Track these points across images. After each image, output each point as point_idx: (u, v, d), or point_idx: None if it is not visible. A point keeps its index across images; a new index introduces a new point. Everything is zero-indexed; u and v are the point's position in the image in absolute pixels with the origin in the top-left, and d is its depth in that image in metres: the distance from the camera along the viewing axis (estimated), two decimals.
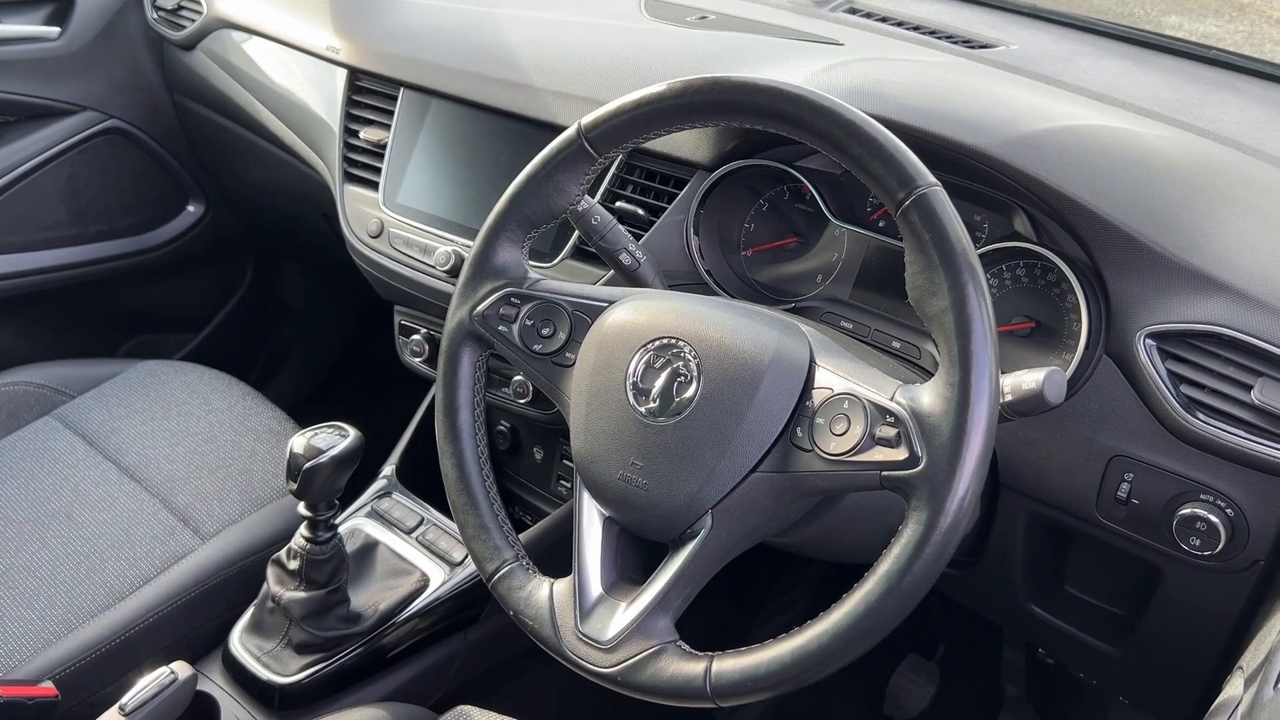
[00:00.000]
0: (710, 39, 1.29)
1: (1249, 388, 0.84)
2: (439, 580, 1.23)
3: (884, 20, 1.45)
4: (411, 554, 1.26)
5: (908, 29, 1.41)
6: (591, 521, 0.84)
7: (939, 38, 1.38)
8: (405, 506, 1.32)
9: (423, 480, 1.34)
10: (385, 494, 1.34)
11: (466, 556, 1.24)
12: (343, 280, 1.62)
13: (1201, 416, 0.86)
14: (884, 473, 0.72)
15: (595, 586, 0.82)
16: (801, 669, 0.72)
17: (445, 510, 1.28)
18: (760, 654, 0.74)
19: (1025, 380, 0.74)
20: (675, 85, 0.84)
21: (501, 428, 1.40)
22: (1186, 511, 0.88)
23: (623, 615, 0.79)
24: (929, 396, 0.72)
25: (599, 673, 0.79)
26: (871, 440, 0.72)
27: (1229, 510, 0.87)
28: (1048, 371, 0.73)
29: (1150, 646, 1.02)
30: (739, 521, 0.78)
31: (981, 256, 0.97)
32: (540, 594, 0.85)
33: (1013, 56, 1.32)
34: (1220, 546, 0.87)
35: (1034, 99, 1.05)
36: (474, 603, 1.26)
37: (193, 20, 1.64)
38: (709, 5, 1.44)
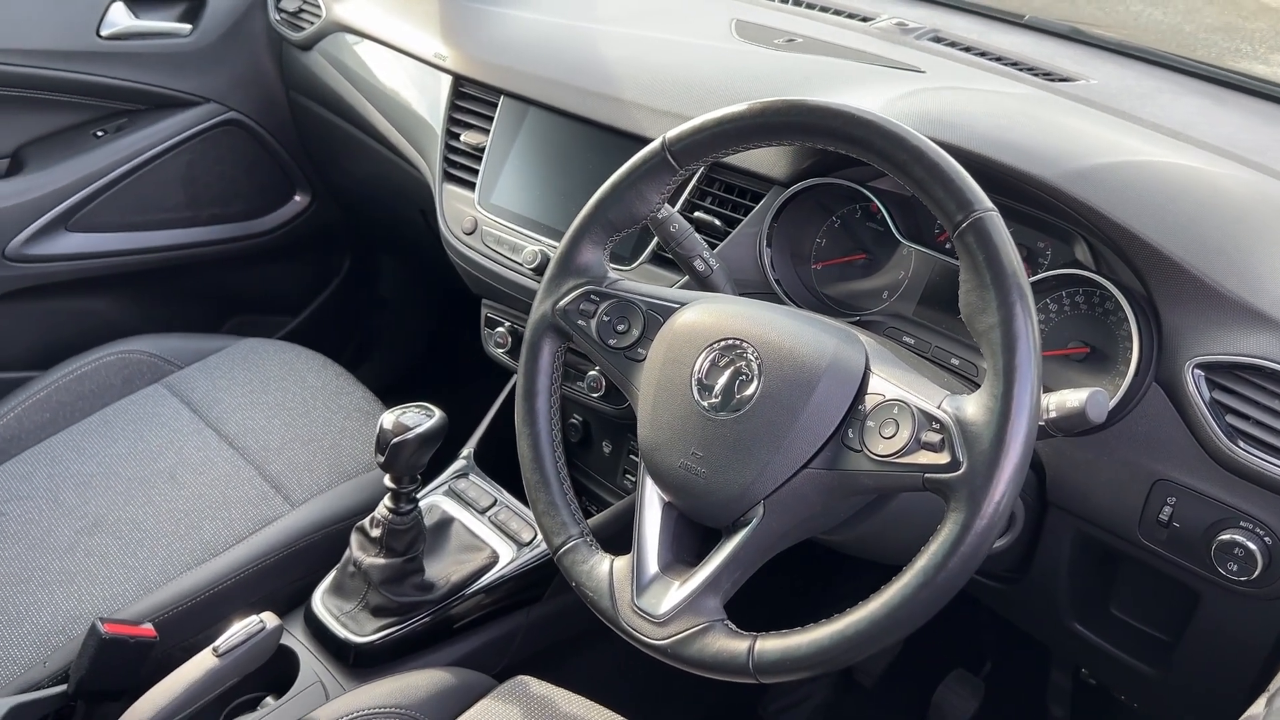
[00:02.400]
0: (795, 62, 1.35)
1: None
2: (507, 558, 1.31)
3: (967, 50, 1.48)
4: (483, 532, 1.34)
5: (990, 59, 1.45)
6: (652, 505, 0.91)
7: (1020, 69, 1.41)
8: (480, 487, 1.40)
9: (498, 464, 1.42)
10: (463, 474, 1.42)
11: (534, 537, 1.32)
12: (433, 273, 1.71)
13: (1244, 446, 0.89)
14: (926, 475, 0.77)
15: (652, 565, 0.89)
16: (838, 651, 0.78)
17: (518, 493, 1.36)
18: (800, 636, 0.80)
19: (1069, 399, 0.78)
20: (755, 106, 0.90)
21: (574, 421, 1.47)
22: (1225, 537, 0.91)
23: (676, 593, 0.86)
24: (973, 406, 0.77)
25: (651, 644, 0.86)
26: (917, 444, 0.78)
27: (1267, 538, 0.90)
28: (1091, 391, 0.78)
29: (1188, 670, 1.05)
30: (789, 513, 0.84)
31: (1042, 282, 1.02)
32: (601, 569, 0.91)
33: (1092, 91, 1.35)
34: (1257, 573, 0.90)
35: (1100, 132, 1.09)
36: (538, 582, 1.33)
37: (312, 23, 1.74)
38: (797, 29, 1.50)
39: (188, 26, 1.76)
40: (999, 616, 1.31)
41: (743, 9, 1.59)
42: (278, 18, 1.81)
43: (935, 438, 0.77)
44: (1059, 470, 1.01)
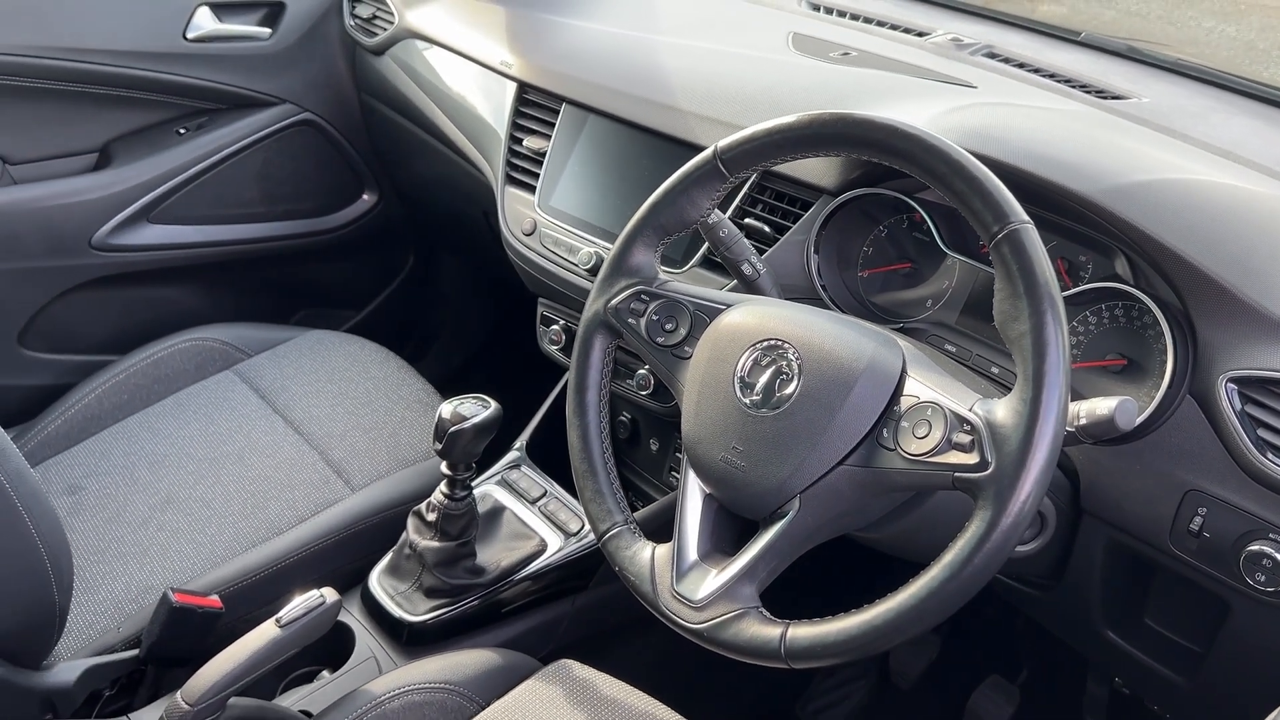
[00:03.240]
0: (849, 75, 1.39)
1: None
2: (555, 547, 1.36)
3: (1021, 66, 1.50)
4: (533, 521, 1.39)
5: (1044, 76, 1.47)
6: (694, 496, 0.95)
7: (1073, 86, 1.43)
8: (531, 479, 1.45)
9: (549, 457, 1.47)
10: (515, 466, 1.48)
11: (582, 528, 1.37)
12: (493, 273, 1.77)
13: (1273, 458, 0.91)
14: (956, 474, 0.80)
15: (692, 553, 0.93)
16: (866, 640, 0.81)
17: (567, 485, 1.41)
18: (831, 624, 0.83)
19: (1099, 406, 0.81)
20: (804, 117, 0.94)
21: (623, 418, 1.52)
22: (1254, 548, 0.93)
23: (713, 580, 0.90)
24: (1003, 410, 0.80)
25: (688, 628, 0.90)
26: (948, 444, 0.81)
27: None
28: (1120, 400, 0.81)
29: (1218, 680, 1.06)
30: (824, 508, 0.88)
31: (1081, 294, 1.05)
32: (643, 555, 0.96)
33: (1143, 109, 1.36)
34: None
35: (1143, 149, 1.11)
36: (584, 572, 1.38)
37: (384, 29, 1.82)
38: (853, 43, 1.53)
39: (267, 30, 1.84)
40: (1036, 625, 1.33)
41: (801, 22, 1.63)
42: (352, 23, 1.88)
43: (966, 439, 0.80)
44: (1093, 478, 1.03)
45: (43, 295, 1.75)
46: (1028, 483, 0.77)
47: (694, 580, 0.91)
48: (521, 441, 1.51)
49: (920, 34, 1.61)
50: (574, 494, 1.37)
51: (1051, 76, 1.47)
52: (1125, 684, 1.29)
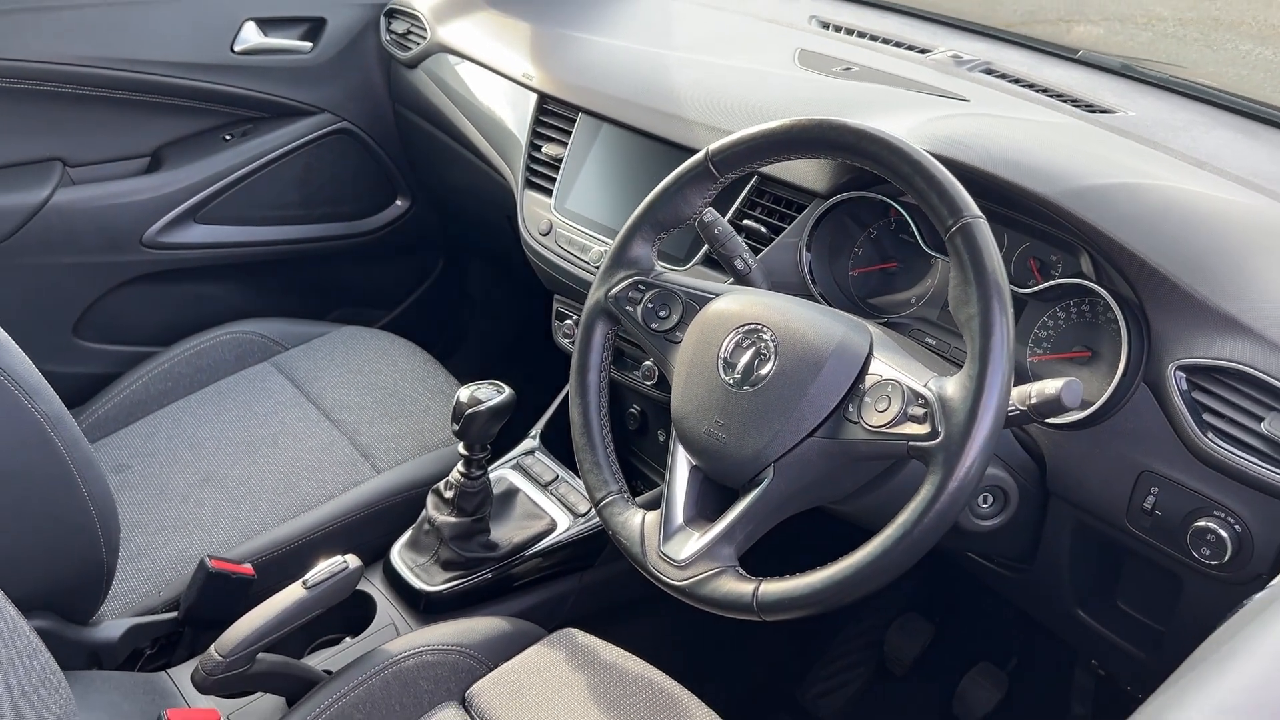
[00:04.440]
0: (848, 88, 1.47)
1: (1261, 419, 0.96)
2: (564, 526, 1.45)
3: (1016, 81, 1.58)
4: (544, 502, 1.49)
5: (1036, 90, 1.55)
6: (680, 467, 1.04)
7: (1064, 100, 1.51)
8: (544, 464, 1.55)
9: (563, 446, 1.56)
10: (529, 453, 1.57)
11: (589, 509, 1.46)
12: (517, 275, 1.87)
13: (1216, 440, 0.98)
14: (910, 443, 0.89)
15: (678, 518, 1.02)
16: (829, 593, 0.90)
17: (576, 469, 1.50)
18: (798, 580, 0.92)
19: (1048, 387, 0.89)
20: (786, 122, 1.03)
21: (632, 410, 1.61)
22: (1200, 524, 1.00)
23: (695, 541, 0.99)
24: (953, 386, 0.88)
25: (672, 585, 0.99)
26: (904, 417, 0.90)
27: (1237, 526, 0.98)
28: (1066, 380, 0.89)
29: (1175, 654, 1.13)
30: (796, 477, 0.96)
31: (1048, 290, 1.13)
32: (634, 521, 1.05)
33: (1128, 122, 1.44)
34: (1227, 558, 0.99)
35: (1112, 156, 1.19)
36: (590, 552, 1.47)
37: (418, 44, 1.93)
38: (857, 59, 1.61)
39: (309, 45, 1.95)
40: (1025, 616, 1.39)
41: (809, 39, 1.72)
42: (388, 38, 2.00)
43: (920, 411, 0.89)
44: (1057, 462, 1.11)
45: (96, 289, 1.87)
46: (973, 450, 0.85)
47: (678, 542, 1.00)
48: (537, 430, 1.60)
49: (922, 51, 1.69)
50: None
51: (1044, 91, 1.54)
52: (1100, 665, 1.36)
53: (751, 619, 0.94)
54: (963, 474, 0.85)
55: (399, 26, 1.97)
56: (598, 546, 1.47)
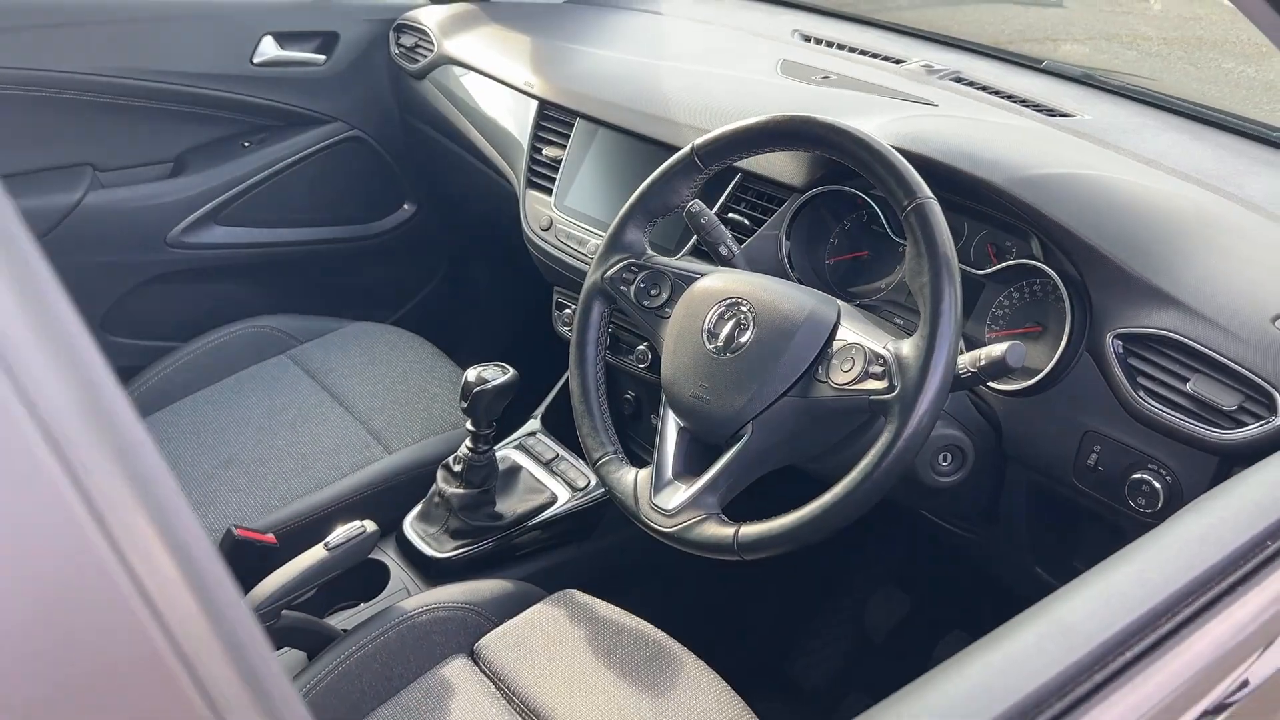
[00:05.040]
0: (825, 94, 1.60)
1: (1187, 380, 1.08)
2: (564, 499, 1.56)
3: (984, 89, 1.70)
4: (546, 478, 1.60)
5: (1001, 97, 1.67)
6: (669, 428, 1.15)
7: (1026, 106, 1.63)
8: (546, 444, 1.66)
9: (563, 428, 1.67)
10: (532, 434, 1.68)
11: (588, 484, 1.57)
12: (517, 271, 1.99)
13: (1150, 401, 1.10)
14: (871, 398, 1.00)
15: (667, 473, 1.13)
16: (803, 532, 1.01)
17: (577, 451, 1.61)
18: (773, 522, 1.03)
19: (994, 350, 1.01)
20: (763, 119, 1.15)
21: (628, 397, 1.72)
22: (1136, 476, 1.11)
23: (683, 493, 1.10)
24: (908, 346, 1.00)
25: (662, 531, 1.10)
26: (866, 375, 1.01)
27: (1168, 477, 1.10)
28: (1010, 344, 1.00)
29: None
30: (772, 433, 1.07)
31: (1003, 271, 1.24)
32: (628, 477, 1.16)
33: (1083, 125, 1.56)
34: (1160, 505, 1.10)
35: (1059, 151, 1.31)
36: (589, 524, 1.58)
37: (425, 56, 2.05)
38: (835, 68, 1.74)
39: (322, 57, 2.07)
40: (997, 585, 1.50)
41: (791, 51, 1.85)
42: (397, 52, 2.12)
43: (879, 369, 1.00)
44: (1011, 425, 1.22)
45: (123, 286, 1.99)
46: (925, 401, 0.96)
47: (668, 494, 1.11)
48: (538, 413, 1.71)
49: (897, 61, 1.81)
50: (582, 458, 1.58)
51: (1009, 98, 1.66)
52: None
53: (733, 559, 1.05)
54: (916, 422, 0.96)
55: (407, 40, 2.09)
56: (595, 519, 1.57)
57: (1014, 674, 0.60)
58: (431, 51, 2.03)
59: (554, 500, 1.56)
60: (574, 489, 1.58)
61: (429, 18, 2.06)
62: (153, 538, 0.35)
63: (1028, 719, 0.58)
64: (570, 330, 1.70)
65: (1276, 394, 1.02)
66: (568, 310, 1.71)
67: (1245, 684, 0.71)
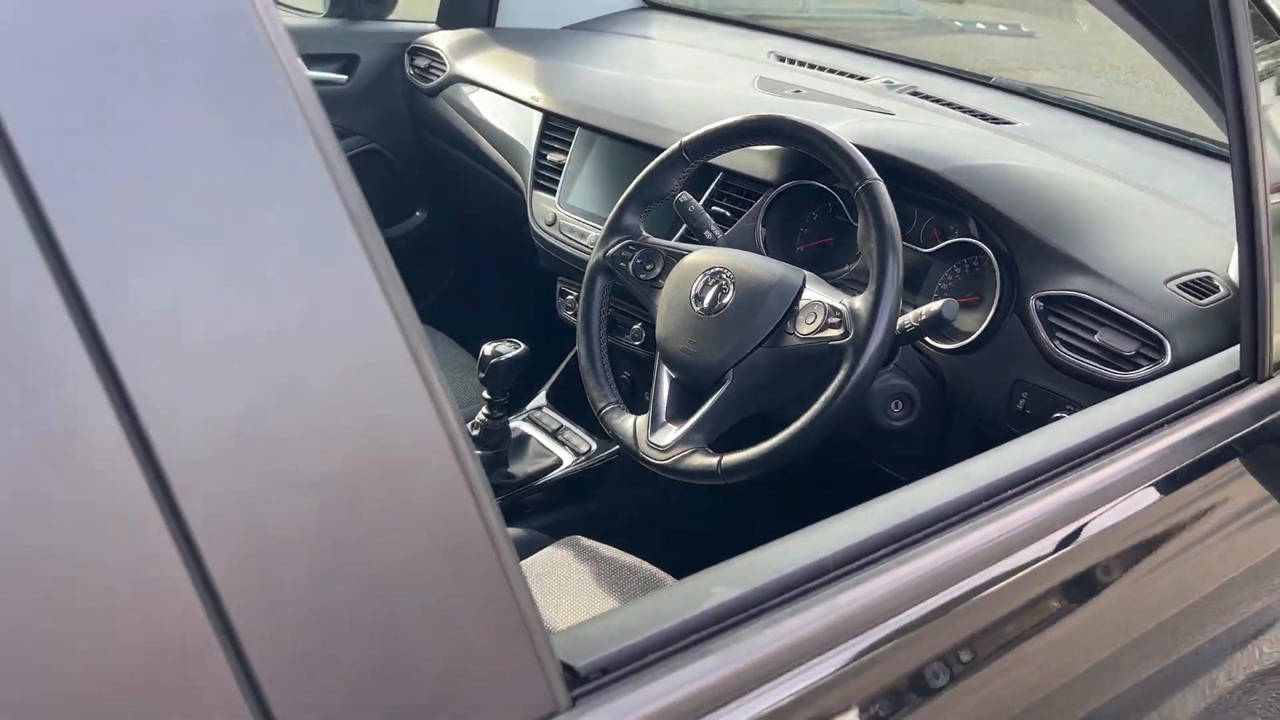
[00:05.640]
0: (796, 105, 1.82)
1: (1095, 332, 1.29)
2: (569, 462, 1.76)
3: (937, 101, 1.93)
4: (552, 445, 1.80)
5: (952, 108, 1.89)
6: (663, 380, 1.36)
7: (973, 115, 1.86)
8: (552, 416, 1.86)
9: (566, 403, 1.87)
10: (539, 408, 1.89)
11: (588, 449, 1.77)
12: (523, 270, 2.19)
13: (1066, 351, 1.31)
14: (830, 343, 1.21)
15: (661, 417, 1.34)
16: (776, 456, 1.21)
17: (580, 422, 1.81)
18: (751, 449, 1.23)
19: (932, 306, 1.22)
20: (740, 118, 1.37)
21: (624, 376, 1.93)
22: (1057, 415, 1.32)
23: (674, 432, 1.30)
24: (859, 301, 1.21)
25: (657, 464, 1.30)
26: (825, 325, 1.22)
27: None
28: (944, 301, 1.21)
29: None
30: (749, 379, 1.28)
31: (946, 249, 1.45)
32: (628, 422, 1.37)
33: (1023, 130, 1.78)
34: None
35: (993, 148, 1.53)
36: (592, 483, 1.78)
37: (438, 76, 2.27)
38: (806, 84, 1.96)
39: (344, 77, 2.28)
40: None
41: (767, 69, 2.07)
42: (412, 72, 2.33)
43: (836, 320, 1.21)
44: (953, 379, 1.43)
45: None
46: (874, 343, 1.17)
47: (661, 434, 1.32)
48: (545, 390, 1.92)
49: (861, 78, 2.04)
50: (585, 429, 1.79)
51: (959, 108, 1.89)
52: None
53: (718, 483, 1.25)
54: (866, 360, 1.17)
55: (421, 62, 2.31)
56: (597, 479, 1.77)
57: (917, 505, 0.79)
58: (444, 71, 2.25)
59: (560, 463, 1.76)
60: (577, 454, 1.78)
61: (440, 41, 2.28)
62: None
63: (932, 527, 0.77)
64: (573, 315, 1.92)
65: (1165, 341, 1.23)
66: (570, 296, 1.92)
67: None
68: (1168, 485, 0.95)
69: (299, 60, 0.48)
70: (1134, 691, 0.91)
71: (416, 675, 0.48)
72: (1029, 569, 0.82)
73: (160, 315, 0.42)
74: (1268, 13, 1.05)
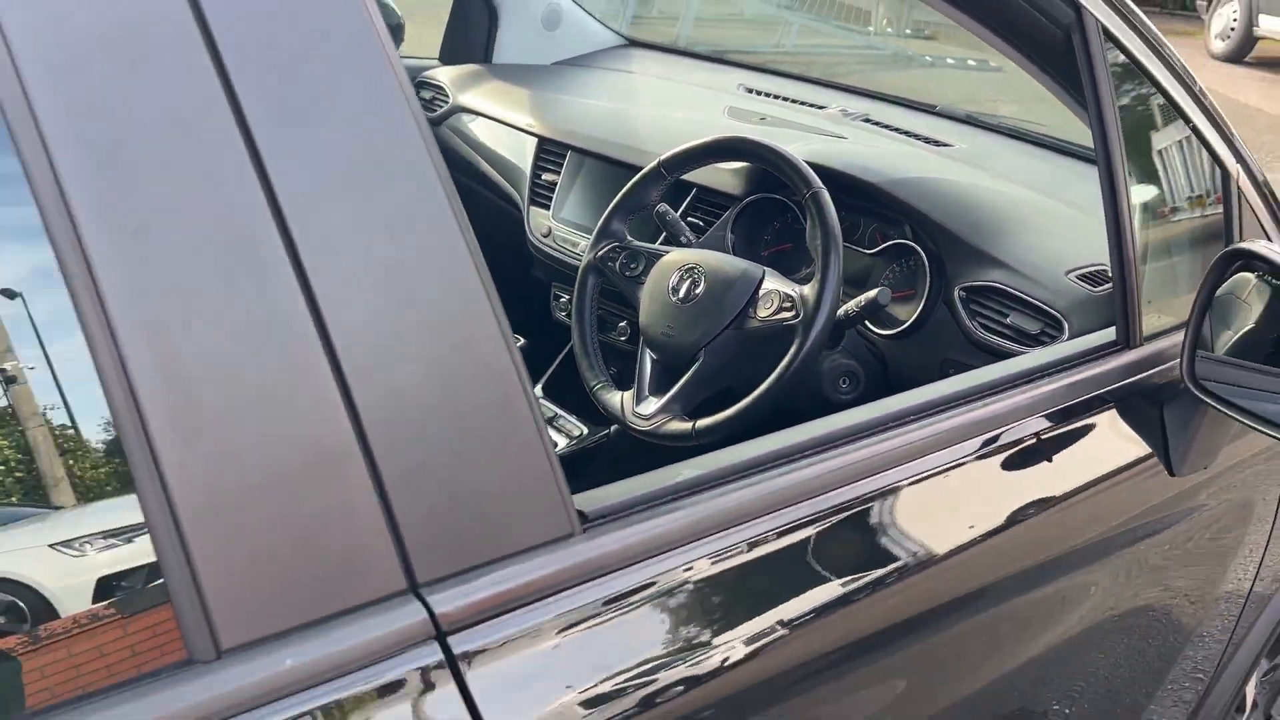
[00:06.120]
0: (759, 130, 2.08)
1: (1008, 315, 1.54)
2: (562, 445, 1.99)
3: (885, 126, 2.19)
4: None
5: (899, 132, 2.15)
6: (646, 359, 1.60)
7: (917, 138, 2.12)
8: (547, 406, 2.09)
9: (560, 395, 2.11)
10: (537, 399, 2.11)
11: (581, 434, 2.00)
12: (519, 280, 2.43)
13: (985, 332, 1.55)
14: (784, 324, 1.45)
15: (645, 391, 1.58)
16: (742, 419, 1.44)
17: (573, 411, 2.05)
18: (720, 414, 1.47)
19: (869, 294, 1.47)
20: (709, 139, 1.62)
21: (612, 371, 2.16)
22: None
23: (655, 403, 1.54)
24: (808, 289, 1.45)
25: (641, 430, 1.54)
26: (780, 309, 1.46)
27: None
28: (879, 289, 1.46)
29: None
30: (718, 356, 1.52)
31: (885, 250, 1.70)
32: (616, 397, 1.60)
33: (959, 152, 2.03)
34: None
35: (927, 166, 1.78)
36: (583, 463, 2.01)
37: (441, 107, 2.52)
38: (770, 112, 2.22)
39: None
40: None
41: (737, 100, 2.33)
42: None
43: (789, 304, 1.46)
44: (893, 360, 1.67)
45: None
46: (819, 322, 1.41)
47: (645, 406, 1.56)
48: (541, 383, 2.16)
49: (820, 107, 2.30)
50: (577, 416, 2.02)
51: (905, 133, 2.15)
52: None
53: (692, 444, 1.49)
54: (814, 335, 1.41)
55: (425, 94, 2.56)
56: (589, 459, 2.01)
57: (840, 423, 1.03)
58: (447, 103, 2.50)
59: (555, 446, 1.99)
60: (570, 438, 2.01)
61: (443, 75, 2.54)
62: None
63: (847, 439, 1.00)
64: (566, 315, 2.16)
65: (1064, 320, 1.48)
66: (564, 299, 2.16)
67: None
68: (1046, 420, 1.19)
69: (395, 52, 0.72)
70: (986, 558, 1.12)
71: (480, 499, 0.72)
72: (921, 476, 1.05)
73: (328, 238, 0.66)
74: (1124, 50, 1.30)
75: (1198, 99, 1.43)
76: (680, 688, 0.80)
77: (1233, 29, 10.23)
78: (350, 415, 0.65)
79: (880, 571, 0.98)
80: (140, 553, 0.61)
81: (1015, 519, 1.12)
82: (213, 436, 0.61)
